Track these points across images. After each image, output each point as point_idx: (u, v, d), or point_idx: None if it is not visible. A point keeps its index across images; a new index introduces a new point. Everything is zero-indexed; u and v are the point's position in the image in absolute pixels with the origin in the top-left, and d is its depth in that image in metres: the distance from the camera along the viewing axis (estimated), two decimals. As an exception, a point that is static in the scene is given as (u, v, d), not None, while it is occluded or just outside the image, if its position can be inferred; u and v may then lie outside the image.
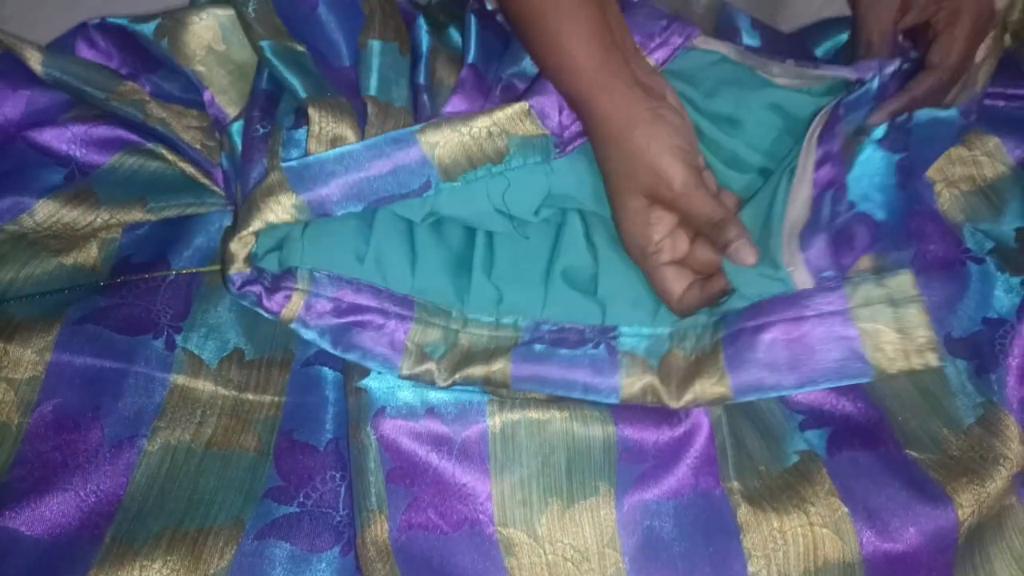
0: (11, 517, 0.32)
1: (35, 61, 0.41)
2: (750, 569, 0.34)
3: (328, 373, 0.39)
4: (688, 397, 0.36)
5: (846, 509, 0.35)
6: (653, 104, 0.37)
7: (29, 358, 0.36)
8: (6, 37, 0.42)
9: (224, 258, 0.36)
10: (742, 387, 0.36)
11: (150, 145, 0.43)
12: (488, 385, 0.37)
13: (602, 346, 0.37)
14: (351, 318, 0.37)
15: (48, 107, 0.43)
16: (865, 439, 0.38)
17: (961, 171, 0.45)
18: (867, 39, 0.43)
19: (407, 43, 0.43)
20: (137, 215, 0.41)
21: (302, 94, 0.38)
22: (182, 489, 0.35)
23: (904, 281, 0.35)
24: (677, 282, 0.38)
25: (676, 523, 0.35)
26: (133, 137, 0.43)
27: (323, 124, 0.37)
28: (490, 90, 0.42)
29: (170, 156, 0.43)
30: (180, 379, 0.38)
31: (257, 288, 0.36)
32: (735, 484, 0.36)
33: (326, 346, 0.37)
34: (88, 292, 0.39)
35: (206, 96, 0.43)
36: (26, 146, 0.41)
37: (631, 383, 0.36)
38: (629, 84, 0.37)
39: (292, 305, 0.36)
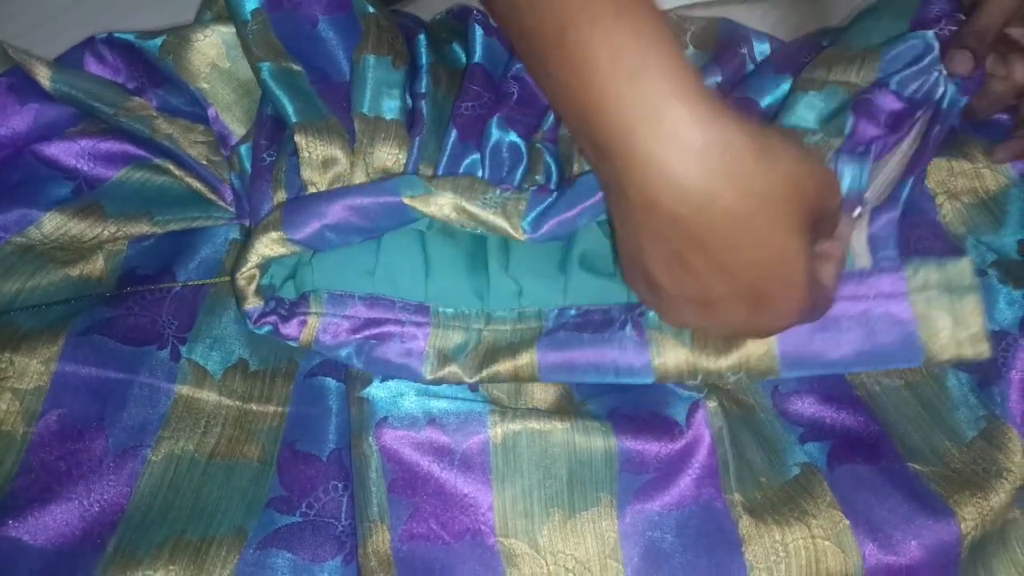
0: (15, 526, 0.33)
1: (44, 76, 0.42)
2: None
3: (331, 383, 0.40)
4: (731, 362, 0.36)
5: (848, 522, 0.36)
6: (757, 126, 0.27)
7: (35, 368, 0.36)
8: (15, 52, 0.43)
9: (236, 296, 0.38)
10: (790, 359, 0.35)
11: (157, 160, 0.44)
12: (517, 380, 0.37)
13: (629, 325, 0.37)
14: (368, 332, 0.38)
15: (56, 121, 0.44)
16: (866, 452, 0.39)
17: (963, 183, 0.45)
18: (978, 25, 0.38)
19: (402, 57, 0.44)
20: (143, 228, 0.42)
21: (292, 119, 0.40)
22: (185, 499, 0.35)
23: (964, 268, 0.35)
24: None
25: (678, 534, 0.35)
26: (140, 152, 0.44)
27: (311, 149, 0.39)
28: (499, 86, 0.43)
29: (177, 171, 0.44)
30: (184, 389, 0.38)
31: (273, 318, 0.37)
32: (736, 496, 0.36)
33: (355, 363, 0.38)
34: (94, 303, 0.39)
35: (210, 113, 0.44)
36: (34, 159, 0.42)
37: (664, 362, 0.36)
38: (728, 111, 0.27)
39: (308, 329, 0.38)
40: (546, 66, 0.28)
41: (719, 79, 0.45)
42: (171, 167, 0.44)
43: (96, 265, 0.41)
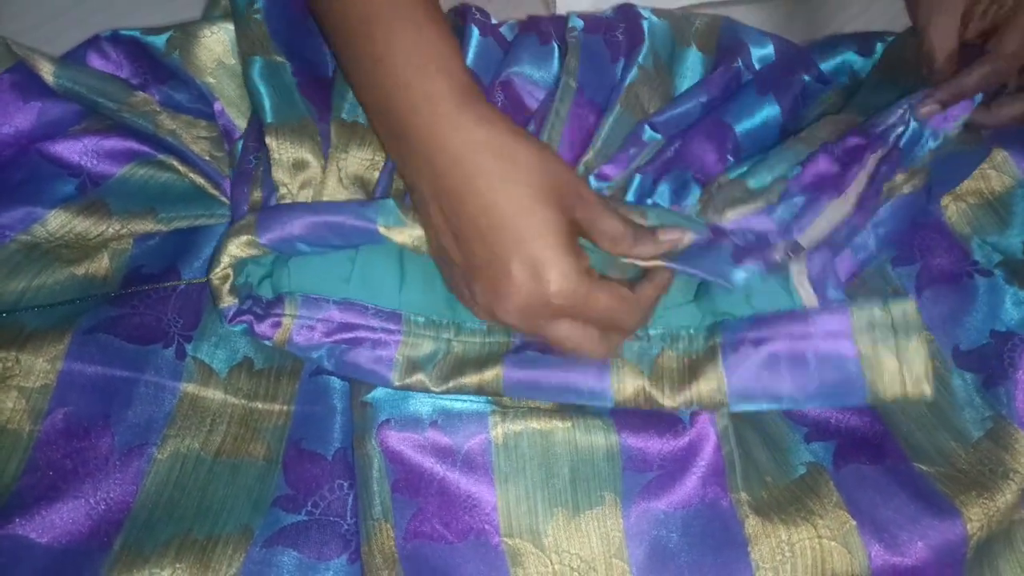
0: (21, 524, 0.33)
1: (47, 72, 0.42)
2: None
3: (336, 383, 0.40)
4: (684, 398, 0.37)
5: (854, 522, 0.36)
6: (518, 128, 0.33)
7: (41, 367, 0.36)
8: (19, 48, 0.43)
9: (212, 295, 0.38)
10: (738, 395, 0.36)
11: (161, 156, 0.44)
12: (481, 393, 0.38)
13: None
14: (340, 336, 0.38)
15: (60, 119, 0.44)
16: (871, 452, 0.39)
17: (969, 184, 0.45)
18: (930, 61, 0.41)
19: None
20: (148, 225, 0.42)
21: (267, 120, 0.40)
22: (191, 497, 0.36)
23: (908, 309, 0.36)
24: (620, 285, 0.35)
25: (683, 533, 0.36)
26: (144, 148, 0.44)
27: (282, 151, 0.39)
28: (489, 93, 0.43)
29: (180, 167, 0.44)
30: (190, 388, 0.38)
31: (248, 317, 0.38)
32: (743, 495, 0.36)
33: (324, 364, 0.39)
34: (99, 302, 0.40)
35: (216, 107, 0.44)
36: (38, 157, 0.43)
37: (623, 388, 0.37)
38: (491, 107, 0.34)
39: (283, 330, 0.38)
40: (354, 56, 0.34)
41: (704, 99, 0.44)
42: (175, 163, 0.44)
43: (101, 264, 0.41)
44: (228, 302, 0.38)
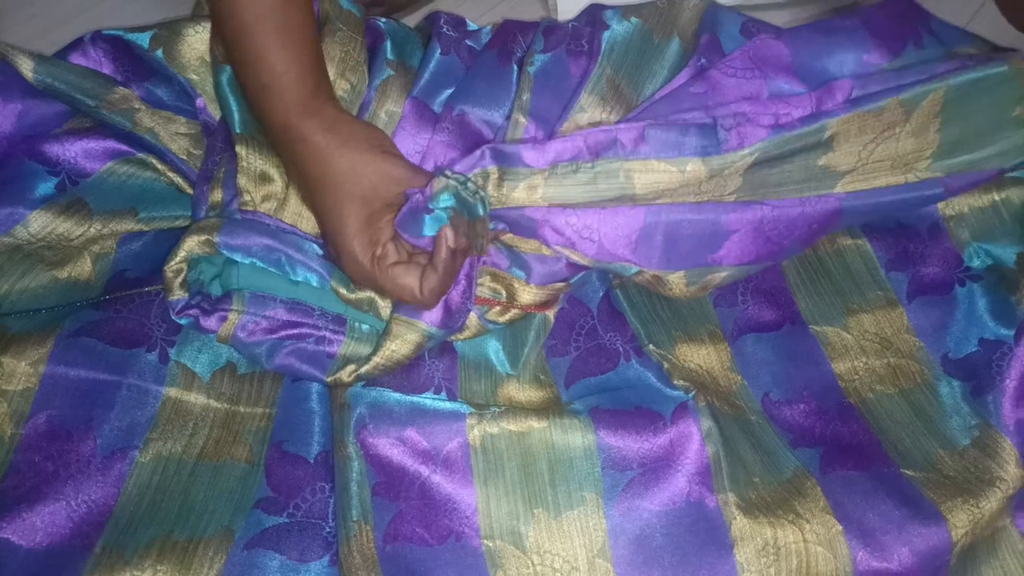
0: (3, 527, 0.34)
1: (26, 68, 0.43)
2: None
3: (314, 386, 0.41)
4: None
5: (841, 527, 0.36)
6: (362, 126, 0.39)
7: (23, 370, 0.37)
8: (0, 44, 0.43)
9: (164, 287, 0.39)
10: None
11: (140, 155, 0.44)
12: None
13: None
14: (284, 332, 0.40)
15: (40, 121, 0.44)
16: (857, 459, 0.39)
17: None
18: None
19: (356, 70, 0.43)
20: (128, 225, 0.43)
21: (237, 129, 0.41)
22: (172, 499, 0.36)
23: None
24: (409, 276, 0.38)
25: (667, 533, 0.36)
26: (123, 147, 0.44)
27: (250, 160, 0.41)
28: (438, 121, 0.43)
29: (159, 165, 0.44)
30: (173, 391, 0.39)
31: (195, 311, 0.39)
32: (730, 496, 0.36)
33: (263, 362, 0.40)
34: (83, 306, 0.40)
35: (199, 103, 0.44)
36: (18, 158, 0.43)
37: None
38: (339, 109, 0.39)
39: (228, 324, 0.39)
40: (241, 59, 0.39)
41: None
42: (154, 161, 0.44)
43: (84, 267, 0.42)
44: (178, 295, 0.39)
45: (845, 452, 0.39)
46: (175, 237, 0.42)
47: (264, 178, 0.40)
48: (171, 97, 0.45)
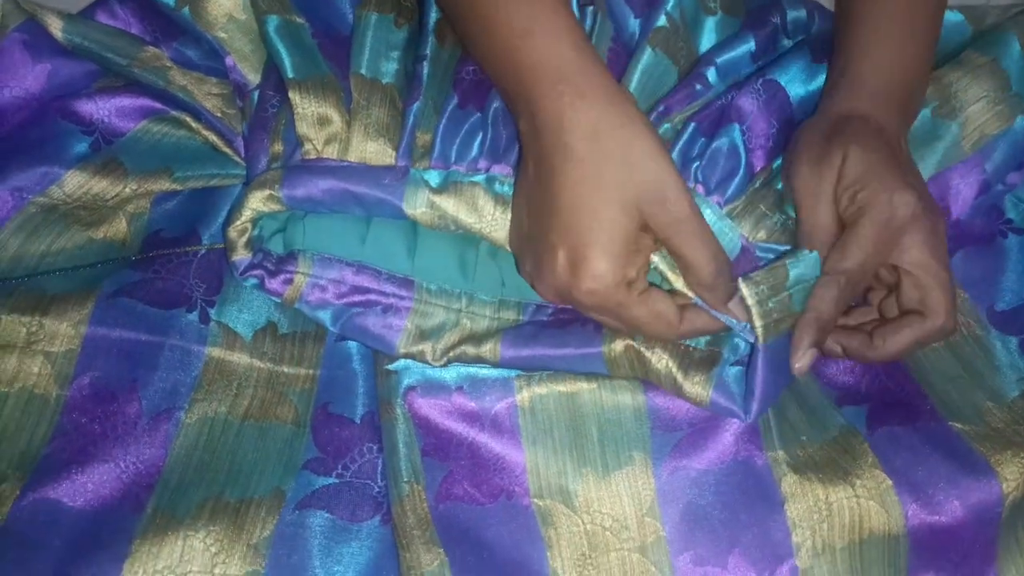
0: (53, 488, 0.34)
1: (56, 28, 0.42)
2: (794, 539, 0.35)
3: (355, 346, 0.40)
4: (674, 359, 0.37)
5: (891, 481, 0.36)
6: (634, 104, 0.33)
7: (65, 331, 0.37)
8: (28, 4, 0.42)
9: (226, 247, 0.38)
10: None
11: (174, 113, 0.44)
12: (480, 362, 0.38)
13: (590, 323, 0.38)
14: (351, 299, 0.39)
15: (70, 79, 0.44)
16: (903, 414, 0.39)
17: None
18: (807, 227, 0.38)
19: (407, 14, 0.43)
20: (163, 184, 0.42)
21: (289, 75, 0.40)
22: (221, 460, 0.36)
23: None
24: (667, 303, 0.34)
25: (717, 492, 0.36)
26: (157, 105, 0.44)
27: (306, 105, 0.39)
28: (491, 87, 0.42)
29: (193, 124, 0.44)
30: (215, 352, 0.39)
31: (260, 272, 0.38)
32: (780, 453, 0.37)
33: (329, 326, 0.39)
34: (120, 266, 0.40)
35: (228, 61, 0.44)
36: (52, 117, 0.42)
37: (613, 347, 0.37)
38: (610, 83, 0.33)
39: (294, 287, 0.39)
40: (466, 30, 0.36)
41: (752, 47, 0.43)
42: (188, 119, 0.44)
43: (120, 227, 0.41)
44: (242, 255, 0.38)
45: (891, 408, 0.40)
46: (209, 196, 0.42)
47: (323, 121, 0.39)
48: (200, 57, 0.45)
